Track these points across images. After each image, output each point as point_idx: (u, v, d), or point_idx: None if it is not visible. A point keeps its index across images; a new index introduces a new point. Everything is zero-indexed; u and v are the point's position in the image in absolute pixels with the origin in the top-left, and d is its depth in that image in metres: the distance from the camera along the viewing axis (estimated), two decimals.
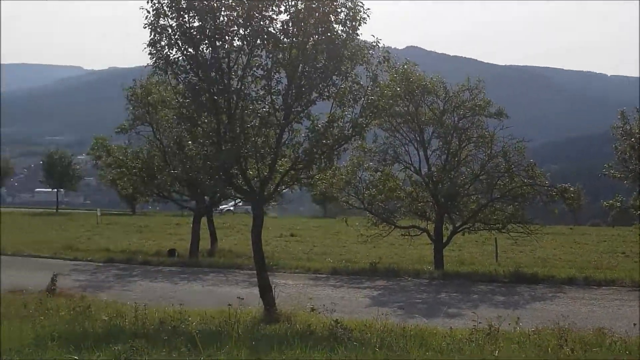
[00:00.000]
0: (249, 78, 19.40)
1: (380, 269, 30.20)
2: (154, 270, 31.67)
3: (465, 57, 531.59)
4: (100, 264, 33.60)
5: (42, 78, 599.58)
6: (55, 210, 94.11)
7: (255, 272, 21.18)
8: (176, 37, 18.99)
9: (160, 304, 19.95)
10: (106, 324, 15.96)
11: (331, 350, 12.48)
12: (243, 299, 16.74)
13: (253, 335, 14.40)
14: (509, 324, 14.91)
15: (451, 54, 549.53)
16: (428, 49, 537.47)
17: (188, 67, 19.37)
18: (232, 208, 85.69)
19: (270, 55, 19.26)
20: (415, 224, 32.93)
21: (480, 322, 14.67)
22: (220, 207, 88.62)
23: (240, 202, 55.03)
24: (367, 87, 20.03)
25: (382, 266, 30.68)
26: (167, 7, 18.83)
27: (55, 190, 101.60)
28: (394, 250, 38.25)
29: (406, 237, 33.17)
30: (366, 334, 14.90)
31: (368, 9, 19.14)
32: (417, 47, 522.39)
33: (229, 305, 15.82)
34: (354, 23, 19.07)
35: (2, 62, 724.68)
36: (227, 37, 18.99)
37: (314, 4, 18.73)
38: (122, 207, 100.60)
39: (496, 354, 12.11)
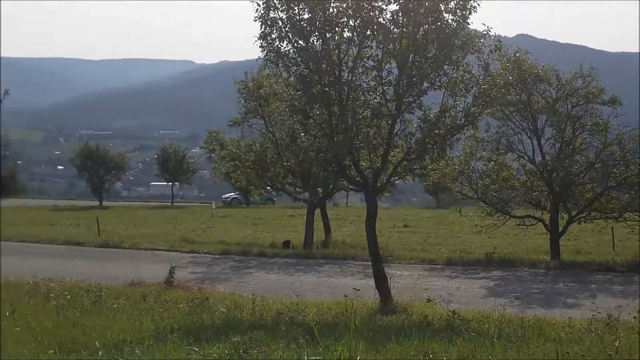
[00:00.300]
0: (360, 69, 19.44)
1: (495, 259, 29.86)
2: (269, 262, 31.92)
3: (576, 45, 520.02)
4: (217, 256, 34.03)
5: (155, 73, 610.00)
6: (170, 204, 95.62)
7: (369, 263, 21.24)
8: (286, 29, 19.14)
9: (277, 295, 20.13)
10: (224, 316, 16.21)
11: (449, 341, 12.41)
12: (359, 290, 16.82)
13: (370, 326, 14.44)
14: (629, 314, 14.59)
15: (562, 42, 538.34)
16: (539, 37, 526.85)
17: (299, 59, 19.50)
18: (237, 196, 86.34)
19: (381, 46, 19.25)
20: (530, 214, 32.51)
21: (599, 312, 14.45)
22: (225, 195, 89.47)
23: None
24: (479, 76, 19.88)
25: (497, 256, 30.31)
26: None
27: (170, 183, 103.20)
28: (508, 240, 37.73)
29: (521, 227, 32.83)
30: (484, 324, 14.81)
31: None
32: (527, 35, 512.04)
33: (345, 296, 15.89)
34: (464, 12, 18.93)
35: (120, 58, 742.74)
36: (337, 29, 19.04)
37: None
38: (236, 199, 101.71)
39: (616, 344, 11.85)
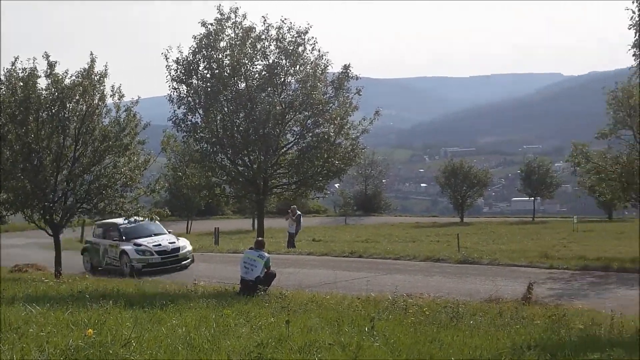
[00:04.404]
0: None
1: None
2: (630, 278, 30.36)
3: None
4: (576, 272, 32.87)
5: (521, 88, 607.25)
6: (531, 219, 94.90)
7: None
8: None
9: (637, 312, 19.14)
10: (581, 333, 15.65)
11: None
12: None
13: None
14: None
15: None
16: None
17: None
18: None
19: None
20: None
21: None
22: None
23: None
24: None
25: None
26: None
27: (532, 198, 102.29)
28: None
29: None
30: None
31: None
32: None
33: None
34: None
35: (488, 74, 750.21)
36: None
37: None
38: (598, 213, 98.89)
39: None
